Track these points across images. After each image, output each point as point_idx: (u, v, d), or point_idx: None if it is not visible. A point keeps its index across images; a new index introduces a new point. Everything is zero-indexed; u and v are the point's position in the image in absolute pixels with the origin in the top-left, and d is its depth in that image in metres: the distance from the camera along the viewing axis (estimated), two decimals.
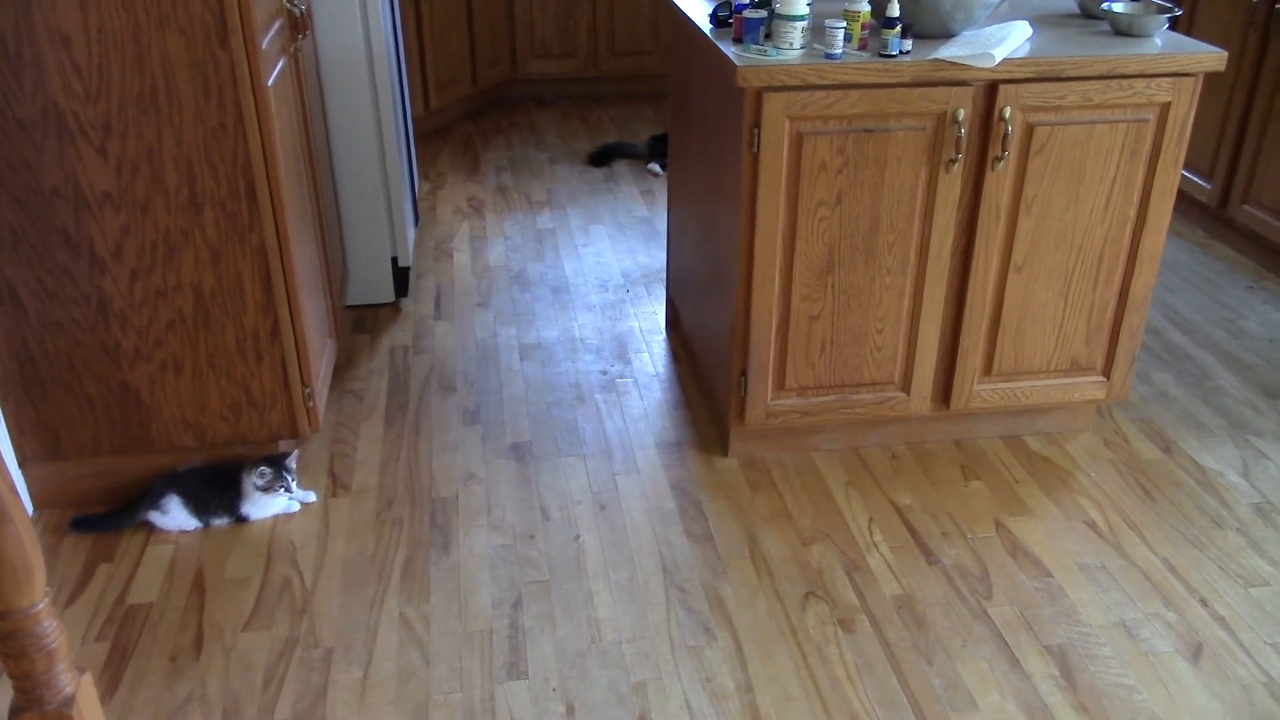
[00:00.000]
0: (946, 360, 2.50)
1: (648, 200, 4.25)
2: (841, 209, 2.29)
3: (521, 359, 3.09)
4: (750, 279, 2.34)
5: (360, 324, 3.30)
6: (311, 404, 2.45)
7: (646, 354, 3.12)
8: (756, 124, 2.19)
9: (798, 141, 2.21)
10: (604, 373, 3.02)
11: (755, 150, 2.21)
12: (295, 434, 2.46)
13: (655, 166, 4.56)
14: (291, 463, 2.42)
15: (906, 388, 2.51)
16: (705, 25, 2.44)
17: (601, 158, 4.69)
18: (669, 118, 3.03)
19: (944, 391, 2.54)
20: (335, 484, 2.55)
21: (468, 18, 4.99)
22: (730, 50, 2.23)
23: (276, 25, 2.33)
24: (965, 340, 2.46)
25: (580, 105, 5.49)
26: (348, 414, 2.83)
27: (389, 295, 3.38)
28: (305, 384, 2.42)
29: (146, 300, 2.26)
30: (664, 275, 3.60)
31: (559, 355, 3.11)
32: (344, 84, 3.06)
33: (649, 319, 3.32)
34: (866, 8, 2.22)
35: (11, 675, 1.44)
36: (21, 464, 2.40)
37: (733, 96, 2.27)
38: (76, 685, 1.48)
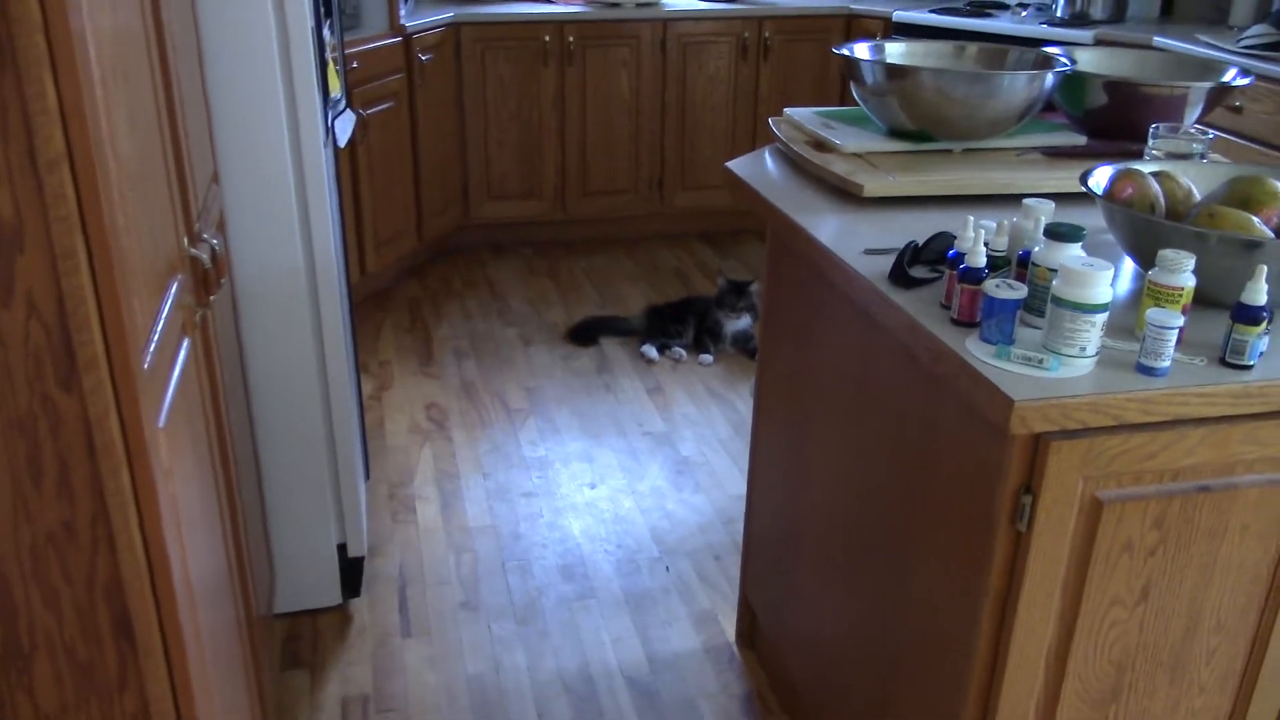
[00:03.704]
0: None
1: (659, 404, 3.30)
2: (1146, 608, 1.38)
3: None
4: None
5: (293, 651, 2.25)
6: None
7: (724, 697, 2.14)
8: (1027, 486, 1.28)
9: (1094, 512, 1.30)
10: None
11: (1021, 528, 1.29)
12: None
13: (651, 350, 3.62)
14: None
15: None
16: (859, 266, 1.52)
17: (586, 335, 3.74)
18: (761, 325, 2.08)
19: None
20: None
21: (413, 162, 4.03)
22: (974, 351, 1.32)
23: (172, 294, 1.33)
24: None
25: (547, 254, 4.54)
26: None
27: (334, 596, 2.34)
28: None
29: None
30: (709, 540, 2.65)
31: (596, 712, 2.11)
32: (275, 322, 2.06)
33: (709, 627, 2.35)
34: (1191, 283, 1.33)
35: None
36: None
37: (959, 423, 1.35)
38: None
